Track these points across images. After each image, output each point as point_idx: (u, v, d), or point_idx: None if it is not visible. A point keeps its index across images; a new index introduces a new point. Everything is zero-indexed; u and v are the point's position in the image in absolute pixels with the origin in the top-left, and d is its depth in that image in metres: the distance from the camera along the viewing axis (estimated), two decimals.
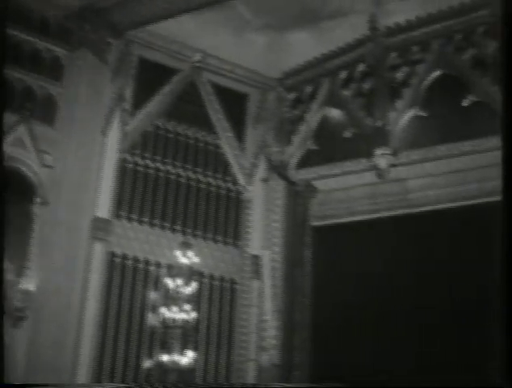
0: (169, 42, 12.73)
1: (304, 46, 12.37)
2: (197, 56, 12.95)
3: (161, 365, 11.14)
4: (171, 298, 11.38)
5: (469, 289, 10.46)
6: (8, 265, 9.43)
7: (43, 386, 9.84)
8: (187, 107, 13.15)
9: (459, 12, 10.60)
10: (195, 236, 12.45)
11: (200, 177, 12.82)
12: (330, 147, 11.61)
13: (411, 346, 10.92)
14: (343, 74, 11.74)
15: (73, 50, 11.69)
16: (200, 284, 11.93)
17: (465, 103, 10.11)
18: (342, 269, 11.98)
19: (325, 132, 11.82)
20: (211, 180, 12.90)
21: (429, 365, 10.55)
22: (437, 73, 10.61)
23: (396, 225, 11.44)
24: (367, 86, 11.38)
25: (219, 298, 12.46)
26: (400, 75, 10.98)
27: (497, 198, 10.09)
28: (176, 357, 11.13)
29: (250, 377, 12.20)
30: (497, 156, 9.84)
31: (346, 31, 11.69)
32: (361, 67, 11.52)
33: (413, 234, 11.23)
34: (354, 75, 11.63)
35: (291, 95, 12.59)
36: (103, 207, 11.69)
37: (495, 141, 9.63)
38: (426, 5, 10.98)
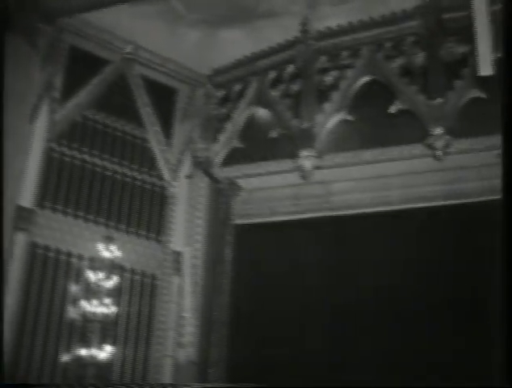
0: (101, 32, 12.32)
1: (236, 44, 12.13)
2: (128, 48, 12.56)
3: (78, 360, 10.73)
4: (92, 292, 11.01)
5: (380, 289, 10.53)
6: None
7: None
8: (117, 99, 12.69)
9: (390, 21, 10.56)
10: (118, 230, 12.09)
11: (126, 170, 12.43)
12: (256, 146, 11.39)
13: (335, 344, 10.83)
14: (272, 75, 11.54)
15: (2, 35, 11.24)
16: (121, 278, 11.55)
17: (392, 109, 10.05)
18: (262, 269, 11.78)
19: (252, 132, 11.59)
20: (136, 174, 12.51)
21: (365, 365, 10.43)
22: (366, 79, 10.54)
23: (317, 226, 11.32)
24: (295, 87, 11.19)
25: (139, 293, 12.08)
26: (329, 79, 10.86)
27: (421, 204, 10.39)
28: (94, 352, 10.76)
29: (167, 373, 11.90)
30: (421, 163, 10.00)
31: (278, 32, 11.51)
32: (290, 68, 11.35)
33: (333, 236, 11.17)
34: (283, 76, 11.44)
35: (220, 93, 12.31)
36: (27, 196, 11.13)
37: (420, 149, 9.78)
38: (358, 12, 10.87)
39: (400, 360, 10.05)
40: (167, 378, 12.08)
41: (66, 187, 11.96)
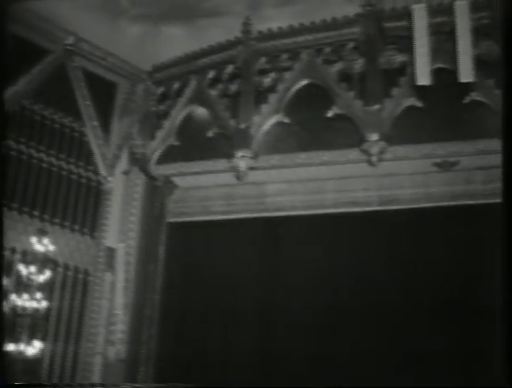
0: (43, 21, 11.73)
1: (177, 41, 11.79)
2: (70, 40, 12.09)
3: (7, 355, 10.08)
4: (23, 286, 10.44)
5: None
6: None
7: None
8: (56, 90, 12.11)
9: (330, 26, 10.38)
10: (52, 223, 11.58)
11: (63, 164, 11.91)
12: (192, 145, 11.09)
13: (265, 344, 10.76)
14: (211, 74, 11.25)
15: None
16: (54, 273, 11.01)
17: (329, 114, 9.85)
18: (194, 267, 11.58)
19: (189, 130, 11.28)
20: (73, 168, 12.02)
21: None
22: (304, 82, 10.32)
23: (251, 227, 11.19)
24: (234, 87, 10.95)
25: (71, 289, 11.62)
26: (267, 80, 10.64)
27: (355, 209, 10.38)
28: (23, 347, 10.22)
29: (96, 371, 11.51)
30: (356, 168, 9.95)
31: (220, 32, 11.22)
32: (230, 68, 11.10)
33: (266, 237, 11.06)
34: (223, 76, 11.18)
35: (159, 90, 11.99)
36: None
37: (355, 154, 9.64)
38: (300, 15, 10.63)
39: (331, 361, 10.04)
40: (96, 376, 11.66)
41: (1, 178, 11.74)
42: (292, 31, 10.51)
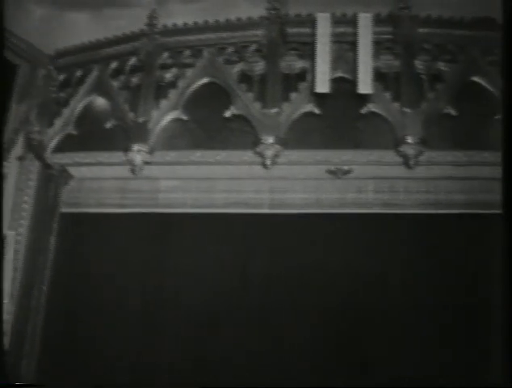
0: None
1: (83, 28, 11.08)
2: None
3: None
4: None
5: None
6: None
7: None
8: None
9: (234, 26, 10.03)
10: None
11: None
12: (90, 135, 10.44)
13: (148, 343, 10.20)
14: (114, 65, 10.66)
15: None
16: None
17: (227, 114, 9.49)
18: (84, 260, 10.87)
19: (88, 120, 10.62)
20: None
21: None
22: (204, 81, 9.88)
23: (144, 222, 10.67)
24: (135, 80, 10.39)
25: None
26: (169, 76, 10.16)
27: (245, 210, 10.19)
28: None
29: None
30: (249, 169, 9.70)
31: (126, 22, 10.61)
32: (132, 61, 10.54)
33: (158, 233, 10.55)
34: (125, 67, 10.60)
35: (61, 76, 11.22)
36: None
37: (250, 155, 9.33)
38: (206, 13, 10.19)
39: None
40: None
41: None
42: (197, 29, 10.09)
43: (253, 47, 9.74)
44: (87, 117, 10.71)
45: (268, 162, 9.05)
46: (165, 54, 10.24)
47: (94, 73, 10.72)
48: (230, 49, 9.84)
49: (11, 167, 12.00)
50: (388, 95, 8.98)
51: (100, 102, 10.73)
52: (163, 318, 10.04)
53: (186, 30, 10.15)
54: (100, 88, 10.62)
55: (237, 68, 9.72)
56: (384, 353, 9.01)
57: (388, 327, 9.23)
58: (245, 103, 9.34)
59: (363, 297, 9.28)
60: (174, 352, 9.74)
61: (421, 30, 9.26)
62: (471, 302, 9.18)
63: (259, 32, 9.68)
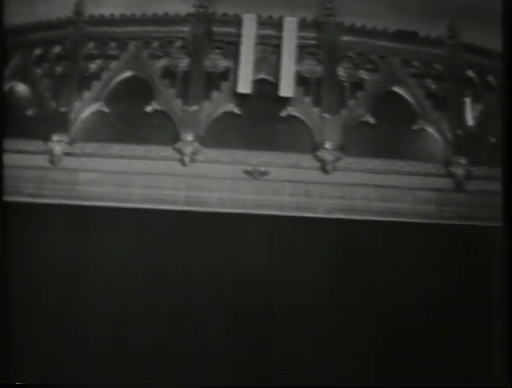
0: None
1: (10, 11, 11.12)
2: None
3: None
4: None
5: None
6: None
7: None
8: None
9: (161, 21, 9.90)
10: None
11: None
12: (10, 123, 9.76)
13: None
14: (38, 51, 10.36)
15: None
16: None
17: (148, 109, 9.37)
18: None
19: (9, 107, 9.99)
20: None
21: None
22: (128, 74, 9.72)
23: (59, 214, 10.18)
24: (59, 69, 10.10)
25: None
26: (93, 66, 9.93)
27: (162, 206, 9.99)
28: None
29: None
30: (167, 165, 9.53)
31: (53, 8, 10.24)
32: (57, 49, 10.25)
33: (75, 225, 10.12)
34: (49, 55, 10.31)
35: None
36: None
37: (169, 151, 9.26)
38: (134, 6, 10.04)
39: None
40: None
41: None
42: (123, 20, 9.93)
43: (179, 43, 9.64)
44: (7, 104, 10.31)
45: (186, 159, 8.95)
46: (91, 44, 10.00)
47: (17, 59, 10.40)
48: (155, 44, 9.71)
49: None
50: (308, 100, 8.99)
51: (21, 88, 10.40)
52: (75, 316, 9.75)
53: (112, 21, 9.95)
54: (22, 74, 10.30)
55: (161, 63, 9.60)
56: (284, 354, 9.00)
57: (294, 327, 9.21)
58: (166, 99, 9.23)
59: (273, 298, 9.23)
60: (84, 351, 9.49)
61: (345, 38, 9.34)
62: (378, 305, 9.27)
63: (185, 29, 9.59)
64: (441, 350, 8.81)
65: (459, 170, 8.78)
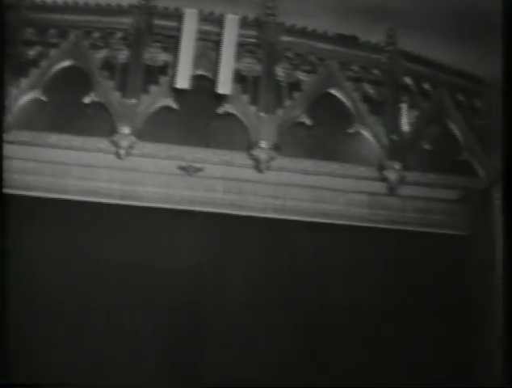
0: None
1: None
2: None
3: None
4: None
5: None
6: None
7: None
8: None
9: (103, 11, 9.68)
10: None
11: None
12: None
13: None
14: None
15: None
16: None
17: (86, 100, 9.17)
18: None
19: None
20: None
21: None
22: (68, 63, 9.47)
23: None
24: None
25: None
26: (32, 53, 9.59)
27: (97, 199, 9.91)
28: None
29: None
30: (103, 158, 9.40)
31: None
32: None
33: (13, 217, 10.12)
34: None
35: None
36: None
37: (105, 143, 9.13)
38: None
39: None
40: None
41: None
42: (65, 8, 9.68)
43: (120, 34, 9.50)
44: None
45: (122, 152, 8.85)
46: (30, 30, 9.73)
47: None
48: (96, 34, 9.54)
49: None
50: (245, 98, 8.98)
51: None
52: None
53: (54, 8, 9.69)
54: None
55: (101, 54, 9.44)
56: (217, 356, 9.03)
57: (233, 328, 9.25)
58: (105, 91, 9.10)
59: (200, 299, 9.25)
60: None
61: (285, 38, 9.34)
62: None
63: (127, 20, 9.44)
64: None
65: (392, 175, 8.85)
